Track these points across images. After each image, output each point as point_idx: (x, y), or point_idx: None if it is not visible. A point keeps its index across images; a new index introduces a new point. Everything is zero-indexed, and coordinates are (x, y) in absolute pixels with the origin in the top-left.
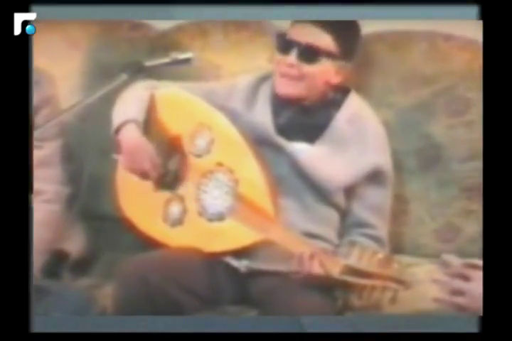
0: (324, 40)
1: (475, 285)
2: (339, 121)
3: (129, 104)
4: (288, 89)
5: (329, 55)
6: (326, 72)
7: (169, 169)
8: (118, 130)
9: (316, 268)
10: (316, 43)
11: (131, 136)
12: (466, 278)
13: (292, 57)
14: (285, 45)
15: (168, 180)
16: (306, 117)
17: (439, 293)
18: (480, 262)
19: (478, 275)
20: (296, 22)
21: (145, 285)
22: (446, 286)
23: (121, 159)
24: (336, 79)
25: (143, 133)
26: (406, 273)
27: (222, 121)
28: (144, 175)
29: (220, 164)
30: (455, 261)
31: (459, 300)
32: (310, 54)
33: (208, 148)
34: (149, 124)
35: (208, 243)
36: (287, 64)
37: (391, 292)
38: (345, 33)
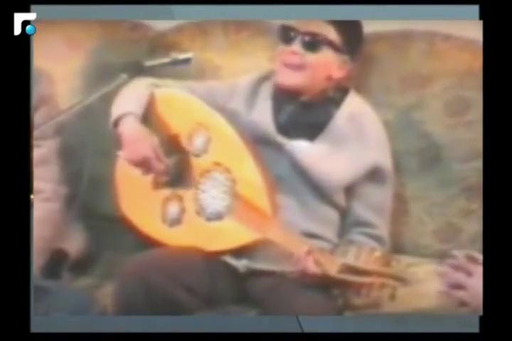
0: (328, 31)
1: (476, 281)
2: (339, 120)
3: (129, 99)
4: (290, 78)
5: (332, 46)
6: (328, 64)
7: (171, 161)
8: (117, 122)
9: (313, 266)
10: (320, 33)
11: (130, 126)
12: (468, 273)
13: (296, 45)
14: (289, 35)
15: (167, 179)
16: (306, 115)
17: (439, 287)
18: (481, 257)
19: (480, 271)
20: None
21: (145, 285)
22: (448, 278)
23: (122, 152)
24: (338, 74)
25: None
26: (404, 271)
27: (219, 121)
28: (146, 166)
29: (217, 163)
30: (460, 254)
31: (460, 294)
32: (313, 43)
33: (205, 147)
34: (148, 123)
35: (207, 242)
36: (291, 52)
37: (390, 289)
38: (349, 28)
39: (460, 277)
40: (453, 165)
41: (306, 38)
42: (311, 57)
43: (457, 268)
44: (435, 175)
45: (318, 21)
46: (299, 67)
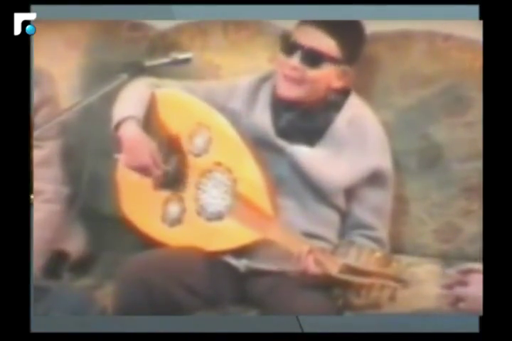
0: (328, 45)
1: (473, 289)
2: (339, 123)
3: (130, 101)
4: (290, 91)
5: (333, 59)
6: (328, 76)
7: (168, 168)
8: (118, 126)
9: (314, 266)
10: (320, 48)
11: (131, 132)
12: (464, 284)
13: (295, 60)
14: (289, 46)
15: (168, 179)
16: (307, 119)
17: (441, 300)
18: (474, 265)
19: (475, 279)
20: (301, 24)
21: (145, 285)
22: (448, 298)
23: (121, 157)
24: (337, 84)
25: (143, 130)
26: (404, 272)
27: (220, 121)
28: (145, 172)
29: (218, 163)
30: (452, 271)
31: (461, 305)
32: (313, 58)
33: (206, 147)
34: (149, 123)
35: (207, 242)
36: (290, 67)
37: (390, 290)
38: (350, 37)
39: (457, 291)
40: (453, 165)
41: (306, 53)
42: (311, 72)
43: (452, 285)
44: (435, 175)
45: (319, 33)
46: (299, 82)
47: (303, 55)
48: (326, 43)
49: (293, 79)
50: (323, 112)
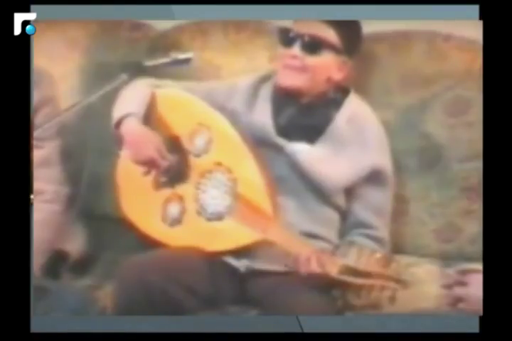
0: (328, 33)
1: (473, 289)
2: (339, 122)
3: (130, 100)
4: (290, 80)
5: (332, 47)
6: (328, 66)
7: (175, 158)
8: (119, 123)
9: (313, 270)
10: (320, 35)
11: (133, 127)
12: (463, 284)
13: (296, 48)
14: (288, 38)
15: (168, 179)
16: (306, 118)
17: (440, 301)
18: (473, 265)
19: (474, 279)
20: (299, 19)
21: (145, 285)
22: (447, 298)
23: (126, 153)
24: (338, 76)
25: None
26: (404, 273)
27: (221, 121)
28: (151, 165)
29: (218, 164)
30: (452, 271)
31: (461, 305)
32: (313, 45)
33: (206, 147)
34: (149, 122)
35: (207, 242)
36: (291, 55)
37: (390, 291)
38: (348, 29)
39: (457, 292)
40: (453, 165)
41: (306, 41)
42: (311, 60)
43: (451, 285)
44: (435, 175)
45: (318, 23)
46: (300, 70)
47: (303, 43)
48: (325, 31)
49: (293, 68)
50: (323, 109)
